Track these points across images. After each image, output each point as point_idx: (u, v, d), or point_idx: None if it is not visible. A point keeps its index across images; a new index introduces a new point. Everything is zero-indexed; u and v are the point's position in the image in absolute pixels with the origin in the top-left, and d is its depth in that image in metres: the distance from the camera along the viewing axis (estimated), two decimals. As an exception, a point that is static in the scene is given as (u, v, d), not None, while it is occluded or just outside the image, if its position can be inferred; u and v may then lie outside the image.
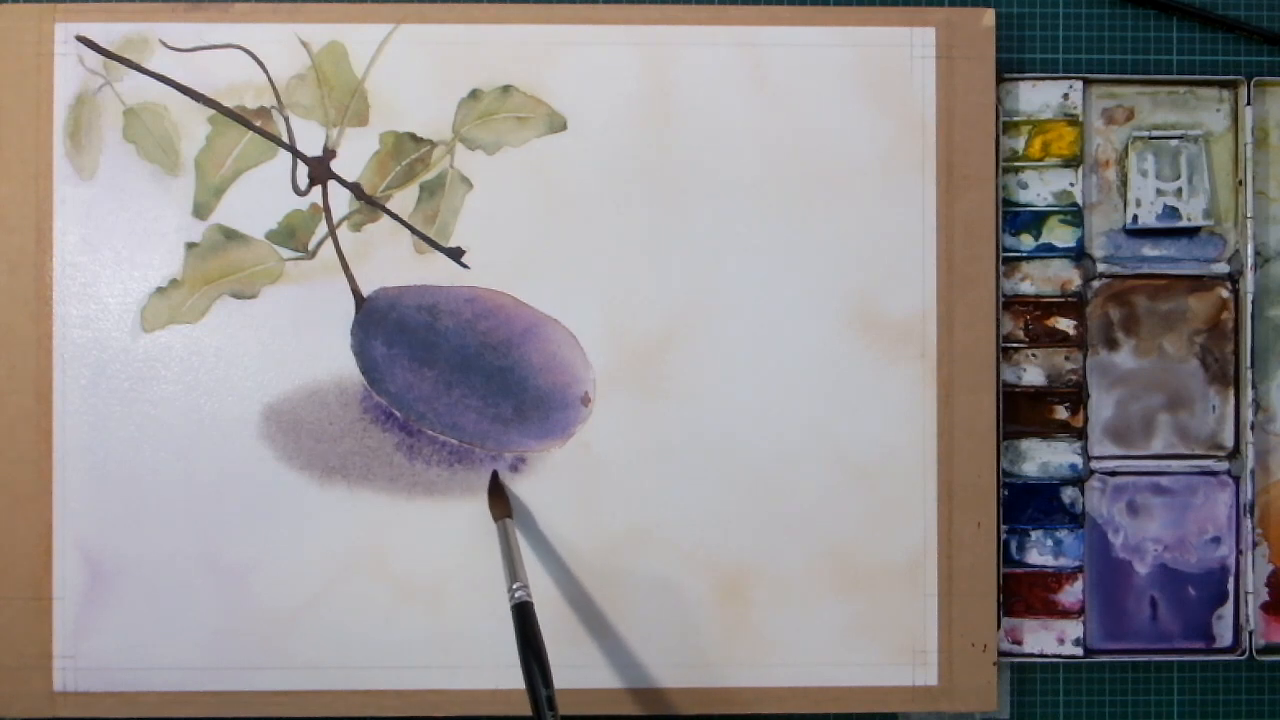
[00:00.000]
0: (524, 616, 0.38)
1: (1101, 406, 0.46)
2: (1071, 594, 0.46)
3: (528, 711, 0.44)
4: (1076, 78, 0.46)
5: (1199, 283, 0.46)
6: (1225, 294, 0.46)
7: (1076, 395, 0.46)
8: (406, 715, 0.44)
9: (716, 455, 0.45)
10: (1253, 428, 0.46)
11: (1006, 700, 0.46)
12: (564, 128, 0.45)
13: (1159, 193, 0.46)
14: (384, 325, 0.44)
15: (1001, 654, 0.46)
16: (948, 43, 0.45)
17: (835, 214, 0.45)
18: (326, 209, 0.44)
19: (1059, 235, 0.46)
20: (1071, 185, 0.46)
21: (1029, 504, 0.46)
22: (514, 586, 0.39)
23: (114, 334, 0.44)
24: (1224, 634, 0.46)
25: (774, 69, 0.45)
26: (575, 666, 0.44)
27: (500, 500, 0.44)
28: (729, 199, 0.45)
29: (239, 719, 0.44)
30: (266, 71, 0.44)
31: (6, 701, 0.44)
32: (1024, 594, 0.46)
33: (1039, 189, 0.46)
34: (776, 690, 0.45)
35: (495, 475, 0.44)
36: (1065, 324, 0.46)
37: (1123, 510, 0.46)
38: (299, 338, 0.44)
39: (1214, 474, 0.46)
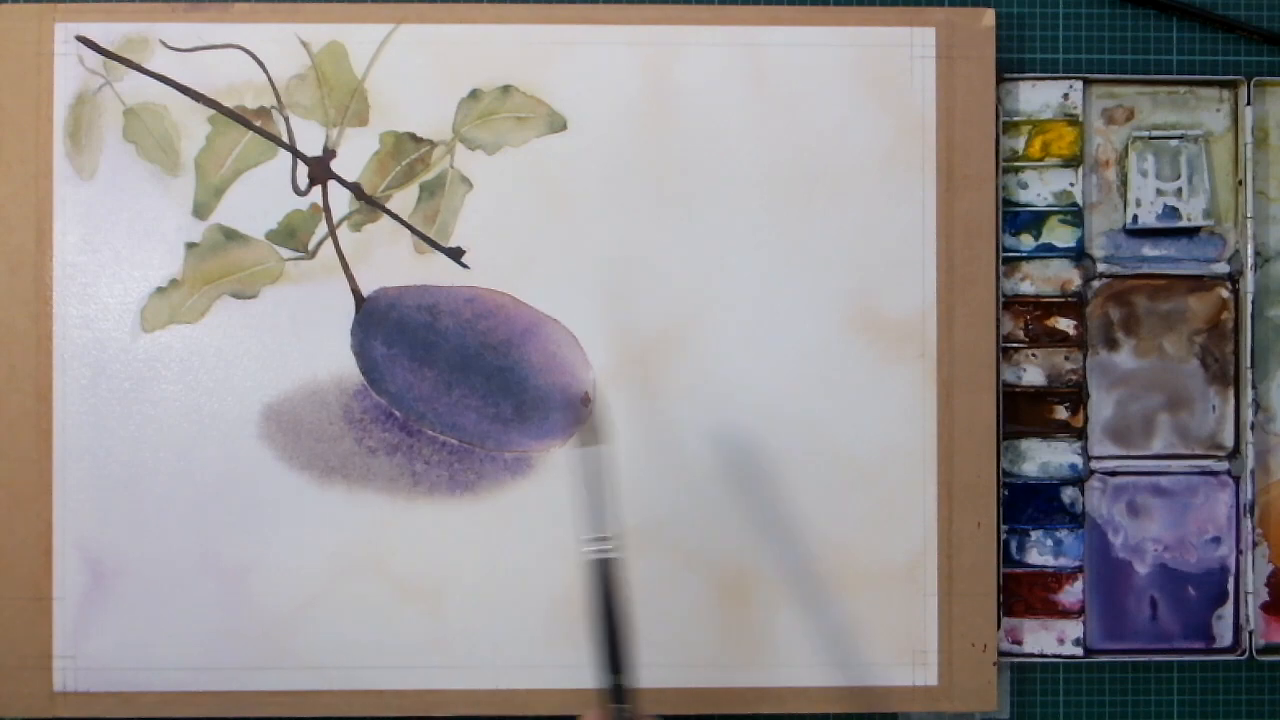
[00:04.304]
0: (601, 575, 0.33)
1: (1101, 406, 0.46)
2: (1071, 594, 0.46)
3: (528, 711, 0.44)
4: (1076, 78, 0.46)
5: (1199, 283, 0.46)
6: (1225, 294, 0.46)
7: (1076, 395, 0.46)
8: (406, 715, 0.44)
9: (716, 455, 0.45)
10: (1253, 428, 0.46)
11: (1006, 700, 0.46)
12: (564, 128, 0.45)
13: (1159, 193, 0.46)
14: (384, 325, 0.44)
15: (1001, 654, 0.46)
16: (948, 43, 0.45)
17: (835, 214, 0.45)
18: (326, 209, 0.44)
19: (1059, 235, 0.46)
20: (1071, 185, 0.46)
21: (1029, 504, 0.46)
22: (592, 537, 0.33)
23: (114, 334, 0.44)
24: (1224, 634, 0.46)
25: (774, 69, 0.45)
26: (575, 666, 0.44)
27: (593, 424, 0.38)
28: (729, 199, 0.45)
29: (239, 719, 0.44)
30: (266, 71, 0.44)
31: (6, 701, 0.44)
32: (1024, 594, 0.46)
33: (1039, 189, 0.46)
34: (776, 690, 0.45)
35: (587, 396, 0.39)
36: (1065, 324, 0.46)
37: (1123, 510, 0.46)
38: (299, 338, 0.44)
39: (1214, 474, 0.46)
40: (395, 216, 0.44)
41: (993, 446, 0.45)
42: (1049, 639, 0.46)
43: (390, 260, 0.44)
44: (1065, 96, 0.46)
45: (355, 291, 0.44)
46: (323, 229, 0.44)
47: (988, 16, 0.45)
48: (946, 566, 0.45)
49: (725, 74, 0.45)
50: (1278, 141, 0.46)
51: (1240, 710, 0.47)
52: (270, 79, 0.44)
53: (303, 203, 0.44)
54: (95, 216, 0.44)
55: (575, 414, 0.45)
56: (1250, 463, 0.46)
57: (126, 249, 0.44)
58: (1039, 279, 0.46)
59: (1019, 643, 0.46)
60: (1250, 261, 0.46)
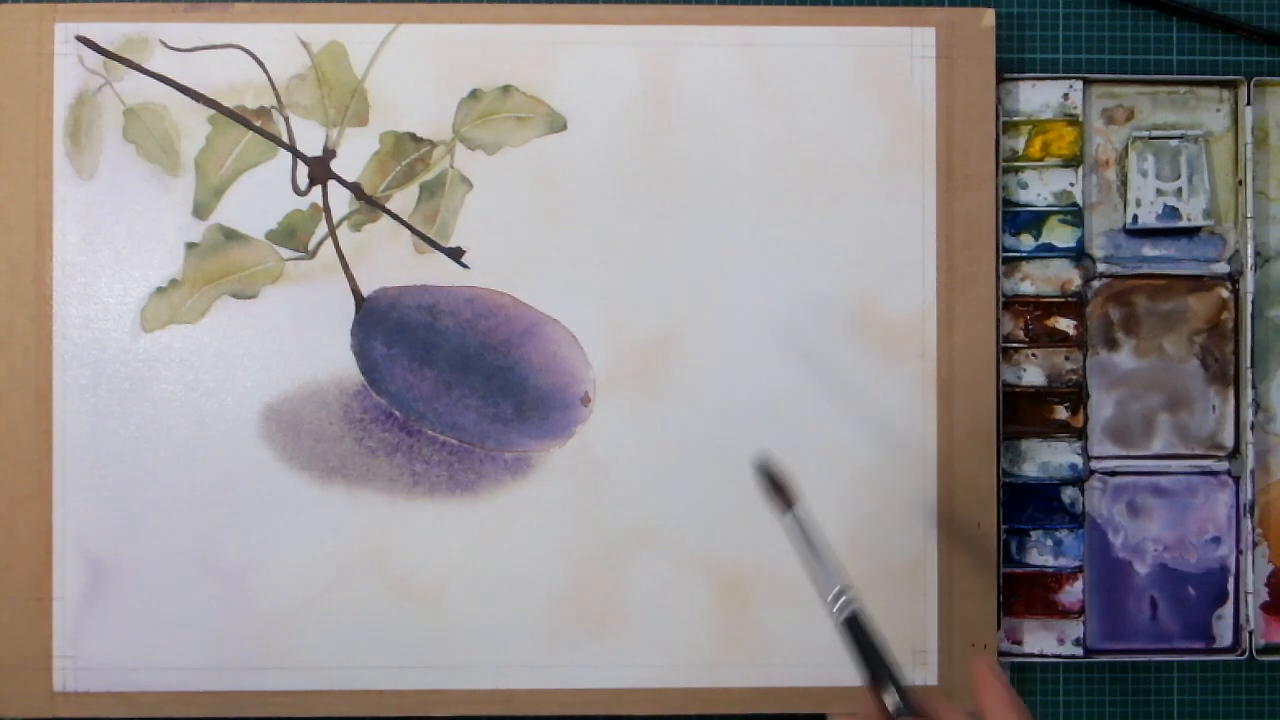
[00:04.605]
0: (857, 627, 0.32)
1: (1101, 406, 0.46)
2: (1071, 594, 0.46)
3: (528, 711, 0.44)
4: (1076, 78, 0.46)
5: (1199, 283, 0.46)
6: (1225, 294, 0.46)
7: (1076, 395, 0.46)
8: (406, 715, 0.44)
9: (716, 455, 0.45)
10: (1253, 428, 0.46)
11: (1006, 700, 0.46)
12: (564, 128, 0.45)
13: (1159, 193, 0.46)
14: (384, 325, 0.44)
15: (1001, 654, 0.46)
16: (948, 43, 0.45)
17: (835, 214, 0.45)
18: (326, 209, 0.44)
19: (1059, 235, 0.46)
20: (1071, 185, 0.46)
21: (1029, 504, 0.46)
22: (833, 596, 0.33)
23: (114, 334, 0.44)
24: (1224, 634, 0.46)
25: (774, 69, 0.45)
26: (575, 666, 0.44)
27: (780, 489, 0.37)
28: (729, 199, 0.45)
29: (239, 719, 0.44)
30: (266, 71, 0.44)
31: (6, 701, 0.44)
32: (1024, 594, 0.46)
33: (1039, 189, 0.46)
34: (776, 690, 0.45)
35: (764, 464, 0.38)
36: (1065, 324, 0.46)
37: (1123, 510, 0.46)
38: (299, 338, 0.44)
39: (1214, 474, 0.46)
40: (395, 216, 0.44)
41: (993, 446, 0.45)
42: (1049, 639, 0.46)
43: (390, 260, 0.44)
44: (1065, 96, 0.46)
45: (355, 291, 0.44)
46: (323, 229, 0.44)
47: (988, 16, 0.45)
48: (946, 566, 0.45)
49: (725, 74, 0.45)
50: (1278, 141, 0.46)
51: (1240, 710, 0.47)
52: (270, 79, 0.44)
53: (303, 203, 0.44)
54: (95, 216, 0.44)
55: (575, 414, 0.45)
56: (1250, 463, 0.46)
57: (126, 249, 0.44)
58: (1039, 279, 0.46)
59: (1019, 643, 0.46)
60: (1250, 261, 0.46)
